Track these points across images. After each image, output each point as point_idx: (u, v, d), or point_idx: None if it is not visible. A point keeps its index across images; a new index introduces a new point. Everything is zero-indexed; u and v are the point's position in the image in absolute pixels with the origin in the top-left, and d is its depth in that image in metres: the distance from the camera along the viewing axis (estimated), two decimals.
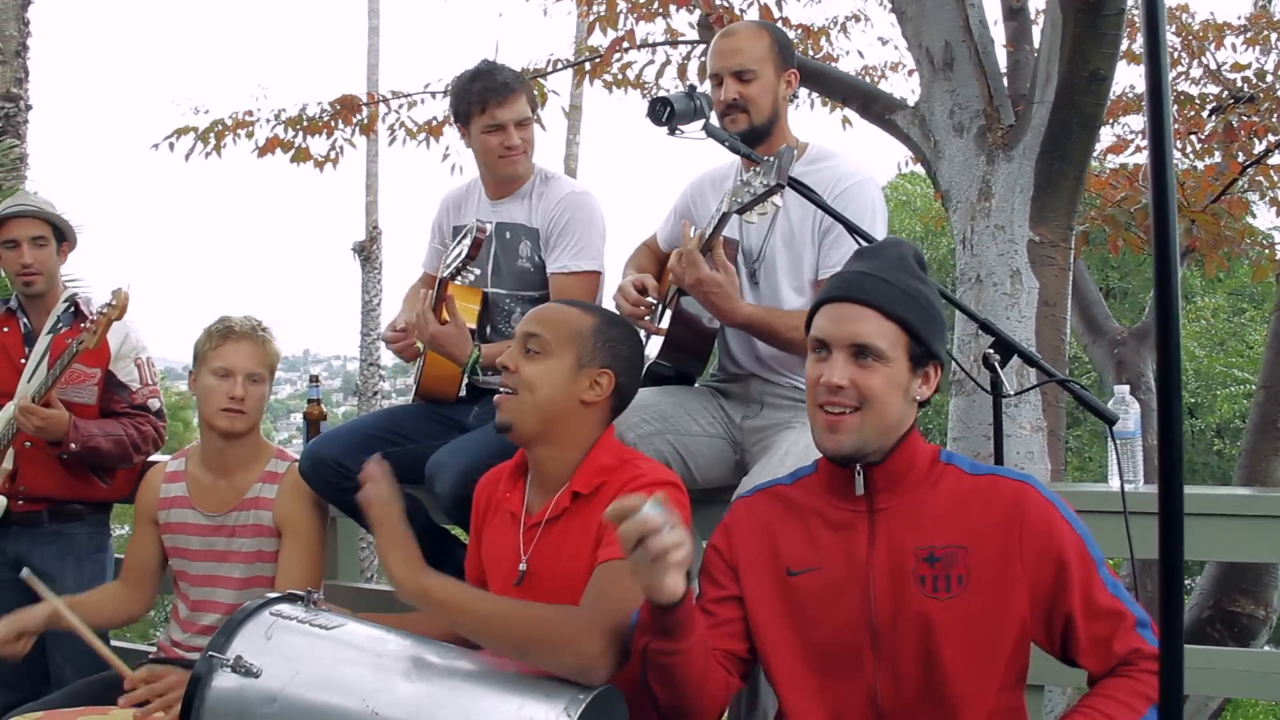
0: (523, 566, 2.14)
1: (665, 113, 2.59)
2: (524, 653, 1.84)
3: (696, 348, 2.69)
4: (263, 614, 1.94)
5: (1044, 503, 1.81)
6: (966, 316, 2.66)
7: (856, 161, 2.66)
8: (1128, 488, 2.66)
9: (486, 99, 2.89)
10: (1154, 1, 1.01)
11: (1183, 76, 9.02)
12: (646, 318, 2.69)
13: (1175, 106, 8.65)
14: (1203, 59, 8.93)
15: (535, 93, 2.98)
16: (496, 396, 2.16)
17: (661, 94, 2.63)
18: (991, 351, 2.35)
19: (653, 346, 2.79)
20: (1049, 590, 1.77)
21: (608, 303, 3.05)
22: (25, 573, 2.63)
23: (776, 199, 2.32)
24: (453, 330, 2.69)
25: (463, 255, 2.61)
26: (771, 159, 2.24)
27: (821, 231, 2.58)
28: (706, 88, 2.73)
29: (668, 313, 2.72)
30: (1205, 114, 8.10)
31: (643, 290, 2.70)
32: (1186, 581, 6.88)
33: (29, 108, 10.59)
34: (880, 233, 2.56)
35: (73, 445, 3.14)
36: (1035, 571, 1.76)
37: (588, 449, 2.16)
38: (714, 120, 2.62)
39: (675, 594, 1.68)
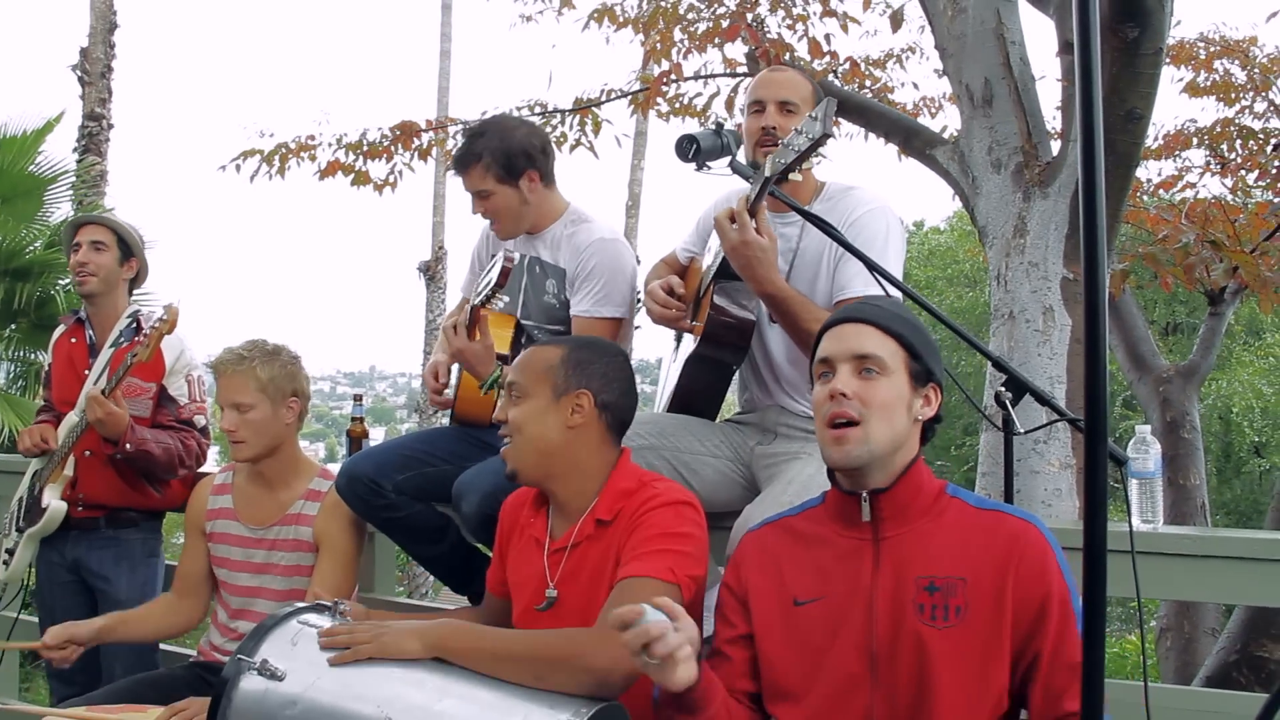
0: (551, 593, 2.22)
1: (692, 149, 2.63)
2: (541, 678, 1.92)
3: (734, 337, 2.70)
4: (290, 622, 2.06)
5: (1043, 544, 1.86)
6: (1000, 353, 2.68)
7: (872, 192, 2.71)
8: (1147, 528, 2.68)
9: (454, 170, 3.03)
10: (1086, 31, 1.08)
11: (1246, 110, 8.92)
12: (675, 314, 2.76)
13: (1238, 141, 8.55)
14: (1268, 94, 8.82)
15: (509, 159, 2.95)
16: (502, 449, 2.27)
17: (688, 132, 2.69)
18: (1003, 390, 2.38)
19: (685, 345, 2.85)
20: (1027, 628, 1.82)
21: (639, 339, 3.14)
22: None
23: (823, 150, 2.31)
24: (480, 348, 2.80)
25: (492, 283, 2.70)
26: (813, 114, 2.25)
27: (835, 259, 2.63)
28: (734, 124, 2.79)
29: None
30: (1269, 149, 8.01)
31: (670, 291, 2.78)
32: (1214, 625, 6.75)
33: (111, 127, 10.97)
34: (892, 258, 2.60)
35: (128, 445, 3.28)
36: (1020, 607, 1.82)
37: (603, 475, 2.24)
38: (740, 157, 2.67)
39: (688, 682, 1.76)
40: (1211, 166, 8.69)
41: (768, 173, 2.36)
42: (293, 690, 1.93)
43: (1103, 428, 1.09)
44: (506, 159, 2.96)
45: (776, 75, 2.80)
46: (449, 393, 3.13)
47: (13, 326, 8.88)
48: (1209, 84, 8.98)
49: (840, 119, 5.34)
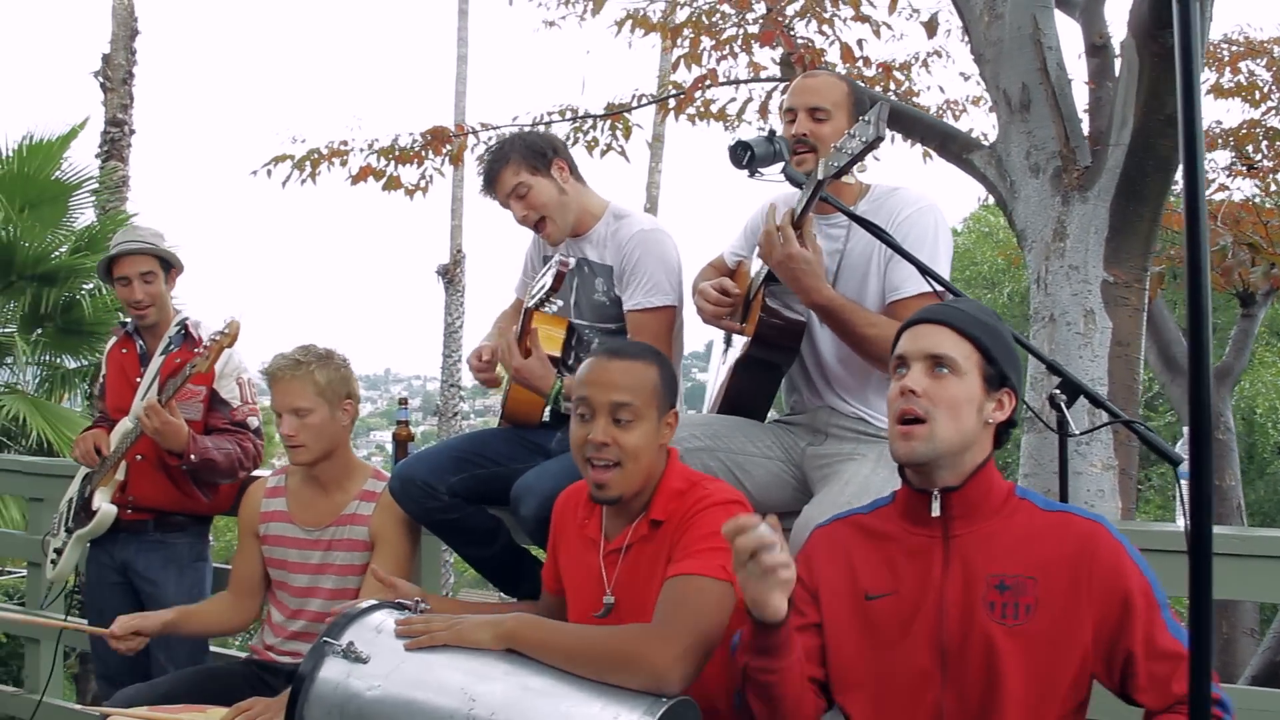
0: (609, 599, 2.24)
1: (745, 156, 2.62)
2: (604, 674, 1.95)
3: (785, 339, 2.71)
4: (375, 614, 2.11)
5: (1114, 543, 1.89)
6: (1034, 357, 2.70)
7: (918, 191, 2.72)
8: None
9: (484, 189, 3.05)
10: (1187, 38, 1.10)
11: (1272, 112, 8.89)
12: (727, 312, 2.79)
13: (1264, 141, 8.52)
14: None
15: (536, 149, 3.00)
16: (596, 473, 2.20)
17: (742, 138, 2.70)
18: (1058, 392, 2.39)
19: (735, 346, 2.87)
20: (1113, 627, 1.84)
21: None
22: None
23: (875, 154, 2.33)
24: (535, 364, 2.82)
25: (546, 288, 2.73)
26: (866, 117, 2.26)
27: (885, 260, 2.64)
28: (783, 130, 2.81)
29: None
30: None
31: (724, 292, 2.80)
32: (1252, 625, 6.71)
33: (133, 132, 11.01)
34: (943, 257, 2.62)
35: (192, 457, 3.33)
36: (1101, 608, 1.84)
37: (657, 477, 2.26)
38: (793, 164, 2.69)
39: (779, 613, 1.79)
40: (1238, 168, 8.67)
41: (820, 175, 2.38)
42: (375, 674, 1.97)
43: (1207, 430, 1.11)
44: (531, 150, 3.00)
45: (808, 82, 2.81)
46: (497, 401, 3.15)
47: (39, 331, 8.96)
48: (1233, 85, 8.95)
49: None
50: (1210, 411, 1.09)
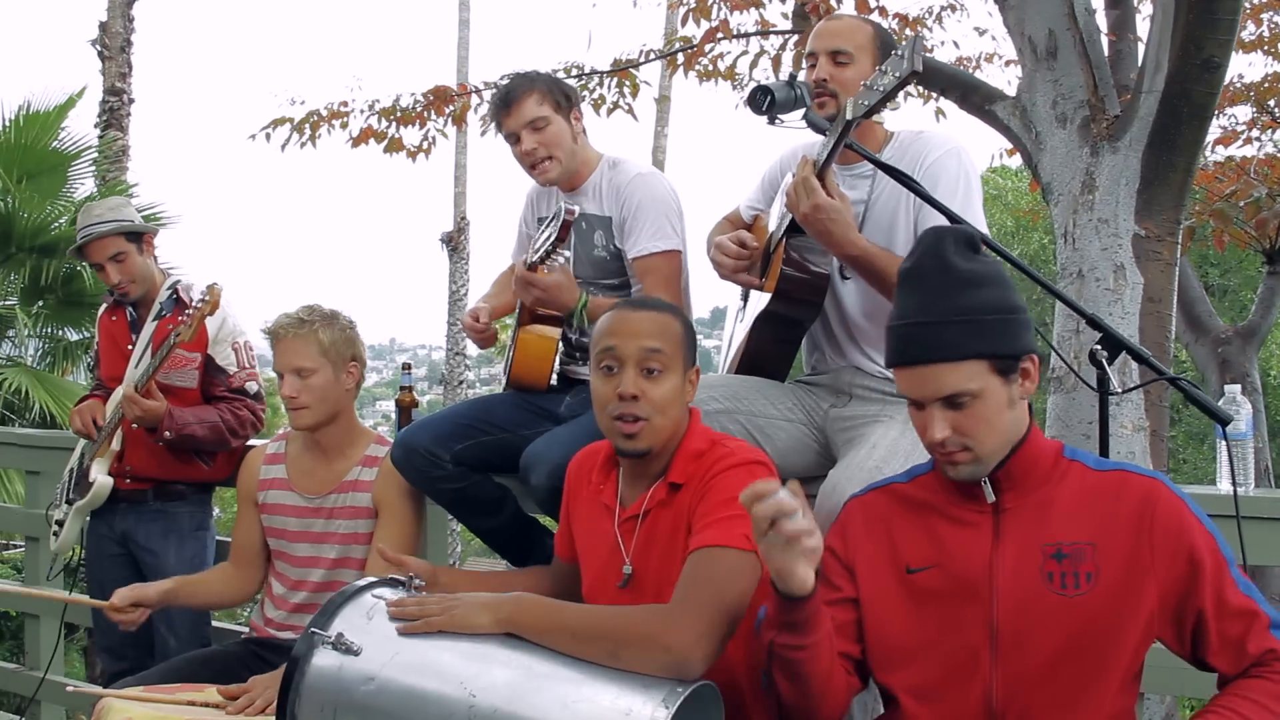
0: (628, 568, 2.13)
1: (765, 101, 2.53)
2: (617, 657, 1.82)
3: (808, 294, 2.59)
4: (364, 596, 1.97)
5: (1175, 500, 1.78)
6: (1070, 311, 2.58)
7: (944, 134, 2.61)
8: (1239, 491, 2.57)
9: (497, 115, 2.92)
10: None
11: None
12: (747, 266, 2.67)
13: None
14: None
15: (562, 89, 2.94)
16: (625, 426, 2.08)
17: (762, 83, 2.59)
18: (1099, 348, 2.27)
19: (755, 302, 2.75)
20: (1180, 588, 1.74)
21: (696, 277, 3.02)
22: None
23: (911, 88, 2.23)
24: (561, 278, 2.71)
25: (552, 238, 2.62)
26: (899, 51, 2.12)
27: (915, 209, 2.52)
28: (804, 75, 2.70)
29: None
30: None
31: (742, 245, 2.68)
32: None
33: (131, 101, 10.92)
34: (974, 202, 2.50)
35: (167, 433, 3.25)
36: (1166, 569, 1.74)
37: (680, 439, 2.15)
38: (814, 109, 2.57)
39: (806, 585, 1.68)
40: (1258, 122, 8.49)
41: (849, 115, 2.25)
42: (369, 666, 1.84)
43: None
44: (559, 88, 2.92)
45: (829, 24, 2.69)
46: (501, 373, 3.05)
47: (40, 303, 8.93)
48: (1255, 39, 8.75)
49: None
50: None
